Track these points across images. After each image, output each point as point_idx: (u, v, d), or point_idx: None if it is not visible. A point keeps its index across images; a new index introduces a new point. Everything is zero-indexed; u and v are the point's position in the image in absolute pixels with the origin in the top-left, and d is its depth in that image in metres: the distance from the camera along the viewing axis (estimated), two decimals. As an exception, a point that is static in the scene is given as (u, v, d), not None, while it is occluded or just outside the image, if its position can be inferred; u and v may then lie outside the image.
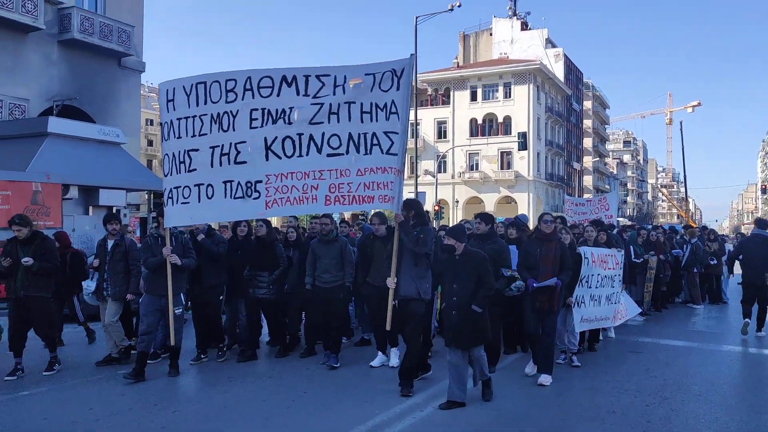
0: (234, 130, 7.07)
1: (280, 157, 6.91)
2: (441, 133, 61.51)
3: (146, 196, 19.80)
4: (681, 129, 51.79)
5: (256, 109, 6.99)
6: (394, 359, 7.94)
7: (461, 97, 61.42)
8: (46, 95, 21.04)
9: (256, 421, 5.94)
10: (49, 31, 20.63)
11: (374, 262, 7.96)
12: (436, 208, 31.37)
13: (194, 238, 8.55)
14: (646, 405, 6.34)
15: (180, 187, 7.29)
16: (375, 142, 6.74)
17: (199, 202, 7.25)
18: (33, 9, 19.73)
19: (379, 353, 8.16)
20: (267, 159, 6.95)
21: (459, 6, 30.91)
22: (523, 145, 33.71)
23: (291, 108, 6.91)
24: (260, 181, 6.96)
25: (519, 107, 59.17)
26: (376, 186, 6.70)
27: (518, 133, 36.55)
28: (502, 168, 59.54)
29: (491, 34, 72.90)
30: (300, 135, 6.86)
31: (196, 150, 7.25)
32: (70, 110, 21.34)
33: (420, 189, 55.81)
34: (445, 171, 58.39)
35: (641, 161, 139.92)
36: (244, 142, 7.03)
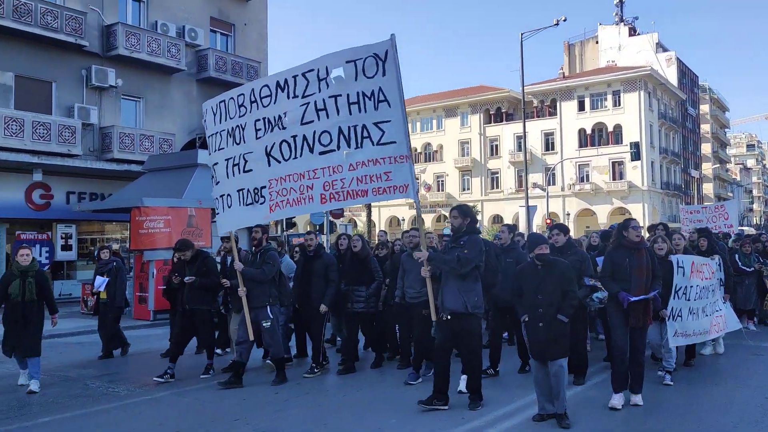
0: (245, 142, 7.45)
1: (279, 162, 7.13)
2: (548, 145, 60.97)
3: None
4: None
5: (259, 120, 7.30)
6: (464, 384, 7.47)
7: (568, 107, 60.66)
8: (188, 129, 23.45)
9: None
10: (189, 71, 23.04)
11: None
12: (548, 221, 31.52)
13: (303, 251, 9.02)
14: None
15: (216, 198, 7.94)
16: (365, 134, 6.63)
17: (224, 211, 7.76)
18: (176, 53, 22.18)
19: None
20: (269, 165, 7.21)
21: (564, 20, 31.19)
22: (636, 155, 33.23)
23: (285, 112, 7.08)
24: (264, 187, 7.26)
25: (630, 115, 57.69)
26: (369, 179, 6.60)
27: (630, 143, 35.97)
28: (614, 178, 58.11)
29: (597, 42, 71.58)
30: (294, 137, 7.01)
31: (217, 164, 7.85)
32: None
33: (529, 203, 55.86)
34: (554, 183, 57.83)
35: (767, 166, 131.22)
36: (251, 152, 7.38)
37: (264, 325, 7.89)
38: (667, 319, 7.42)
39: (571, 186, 59.18)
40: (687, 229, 14.13)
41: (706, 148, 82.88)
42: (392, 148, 6.50)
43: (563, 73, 67.60)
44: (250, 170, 7.37)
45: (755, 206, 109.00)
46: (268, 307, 7.95)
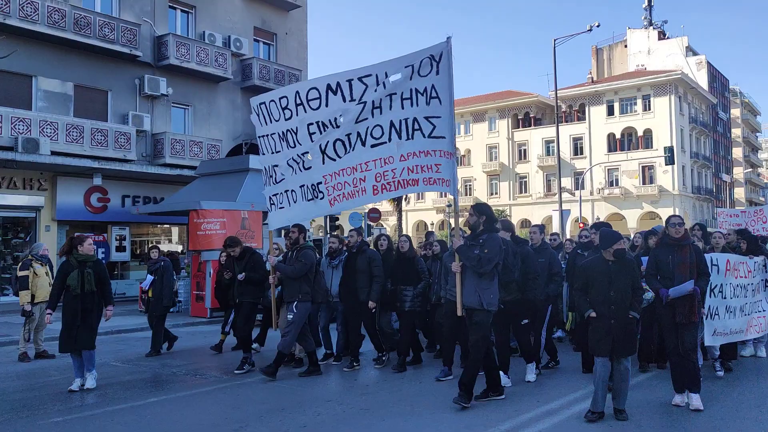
0: (300, 144, 7.59)
1: (334, 159, 7.29)
2: (578, 150, 61.02)
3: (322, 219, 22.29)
4: None
5: (312, 123, 7.40)
6: (530, 374, 7.84)
7: (597, 112, 60.71)
8: (233, 135, 24.31)
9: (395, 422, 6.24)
10: (234, 79, 23.88)
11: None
12: (581, 225, 31.83)
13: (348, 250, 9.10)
14: None
15: (277, 194, 8.05)
16: (416, 127, 6.79)
17: (289, 206, 7.92)
18: (223, 62, 23.06)
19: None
20: (323, 162, 7.39)
21: (598, 26, 31.53)
22: (670, 160, 33.35)
23: (341, 114, 7.22)
24: (320, 183, 7.43)
25: (660, 120, 57.60)
26: (420, 169, 6.76)
27: (665, 147, 36.07)
28: (643, 183, 58.01)
29: (626, 46, 71.44)
30: (348, 135, 7.15)
31: (277, 165, 8.00)
32: (254, 147, 24.49)
33: (557, 207, 56.04)
34: (583, 188, 57.93)
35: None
36: (307, 152, 7.59)
37: (288, 316, 8.20)
38: (704, 318, 7.25)
39: (600, 190, 59.20)
40: (724, 231, 14.36)
41: (737, 152, 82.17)
42: (442, 142, 6.71)
43: (592, 77, 67.60)
44: (309, 167, 7.57)
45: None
46: (297, 302, 8.18)
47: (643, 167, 57.63)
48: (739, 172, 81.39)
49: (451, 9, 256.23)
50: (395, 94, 6.84)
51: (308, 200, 7.66)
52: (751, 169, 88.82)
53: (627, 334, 6.03)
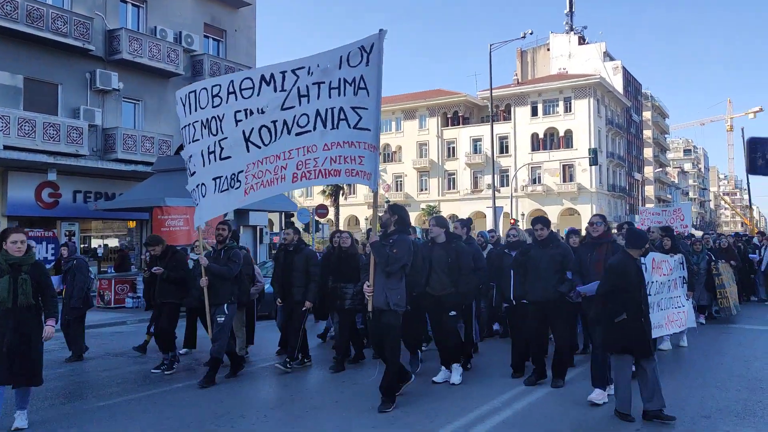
0: (222, 132, 7.26)
1: (259, 147, 7.04)
2: (503, 148, 63.44)
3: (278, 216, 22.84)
4: (743, 136, 52.09)
5: (240, 111, 7.15)
6: (456, 376, 7.63)
7: (522, 112, 63.31)
8: (183, 131, 24.33)
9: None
10: (185, 75, 23.96)
11: (434, 270, 7.56)
12: (513, 221, 33.52)
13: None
14: (747, 367, 8.44)
15: (194, 189, 7.67)
16: (342, 116, 6.65)
17: (199, 201, 7.55)
18: (175, 58, 23.12)
19: (443, 368, 7.70)
20: (248, 150, 7.10)
21: (531, 33, 33.29)
22: (594, 161, 35.61)
23: (268, 104, 7.02)
24: (242, 171, 7.12)
25: (580, 121, 60.71)
26: (343, 160, 6.62)
27: (589, 149, 38.48)
28: (564, 181, 61.07)
29: (548, 50, 74.58)
30: (274, 122, 6.94)
31: (192, 155, 7.62)
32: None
33: (483, 203, 58.32)
34: (508, 185, 60.35)
35: (702, 169, 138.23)
36: (226, 138, 7.21)
37: (218, 319, 7.78)
38: None
39: (524, 188, 61.79)
40: (645, 228, 15.68)
41: (648, 153, 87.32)
42: (367, 134, 6.58)
43: (517, 79, 70.24)
44: (228, 157, 7.23)
45: (692, 207, 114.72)
46: (227, 304, 7.88)
47: (564, 166, 60.57)
48: (649, 171, 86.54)
49: (387, 11, 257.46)
50: (323, 83, 6.74)
51: (222, 191, 7.28)
52: (660, 169, 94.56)
53: (651, 333, 6.12)
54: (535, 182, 62.30)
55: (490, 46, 33.24)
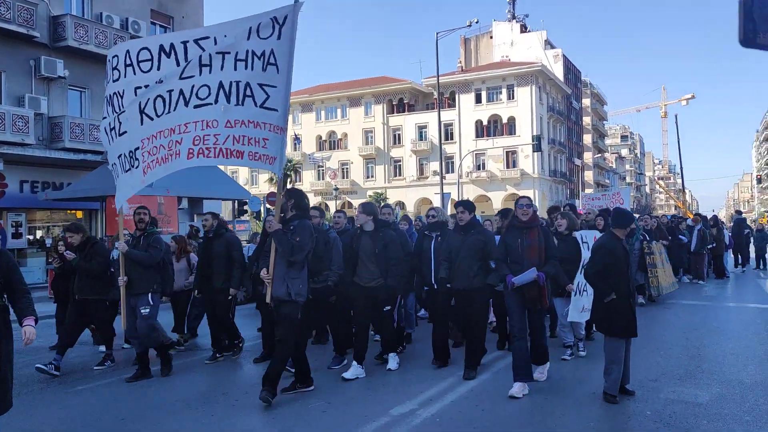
0: (123, 107, 6.71)
1: (152, 118, 6.42)
2: (448, 135, 64.36)
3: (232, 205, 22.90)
4: (676, 122, 54.17)
5: (140, 87, 6.53)
6: (393, 362, 7.42)
7: (466, 99, 64.26)
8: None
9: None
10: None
11: (361, 260, 7.31)
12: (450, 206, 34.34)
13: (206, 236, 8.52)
14: (687, 337, 9.30)
15: (111, 170, 7.16)
16: (248, 93, 6.10)
17: (116, 183, 7.02)
18: (122, 45, 22.77)
19: (354, 363, 7.17)
20: (142, 123, 6.49)
21: (477, 22, 33.99)
22: (538, 147, 36.74)
23: (167, 76, 6.40)
24: (138, 148, 6.51)
25: (522, 108, 62.07)
26: (247, 141, 6.11)
27: (533, 136, 39.70)
28: (507, 167, 62.44)
29: (491, 37, 75.77)
30: (170, 91, 6.32)
31: (103, 136, 7.11)
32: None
33: (429, 190, 59.21)
34: (453, 171, 61.34)
35: (639, 155, 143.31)
36: (124, 111, 6.66)
37: (142, 311, 7.27)
38: (573, 294, 7.43)
39: (468, 174, 62.91)
40: (585, 212, 16.34)
41: (587, 139, 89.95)
42: (273, 115, 6.12)
43: (461, 66, 71.19)
44: (125, 132, 6.65)
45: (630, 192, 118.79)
46: (150, 294, 7.38)
47: (508, 152, 61.94)
48: (588, 157, 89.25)
49: None
50: (228, 53, 6.12)
51: (126, 171, 6.71)
52: (599, 154, 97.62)
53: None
54: (479, 169, 63.45)
55: (437, 34, 33.79)
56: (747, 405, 5.87)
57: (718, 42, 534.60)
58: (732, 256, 20.99)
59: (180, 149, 6.21)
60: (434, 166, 60.65)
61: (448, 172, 58.52)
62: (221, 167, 21.55)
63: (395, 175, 66.77)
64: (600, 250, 6.03)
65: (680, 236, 16.87)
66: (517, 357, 6.28)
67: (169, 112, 6.30)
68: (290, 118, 69.23)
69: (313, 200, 65.72)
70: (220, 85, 6.12)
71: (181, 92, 6.24)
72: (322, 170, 69.52)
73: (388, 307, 7.35)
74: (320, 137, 70.06)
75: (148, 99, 6.41)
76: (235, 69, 6.09)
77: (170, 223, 17.53)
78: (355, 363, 7.16)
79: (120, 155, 6.71)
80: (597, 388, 6.26)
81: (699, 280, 17.11)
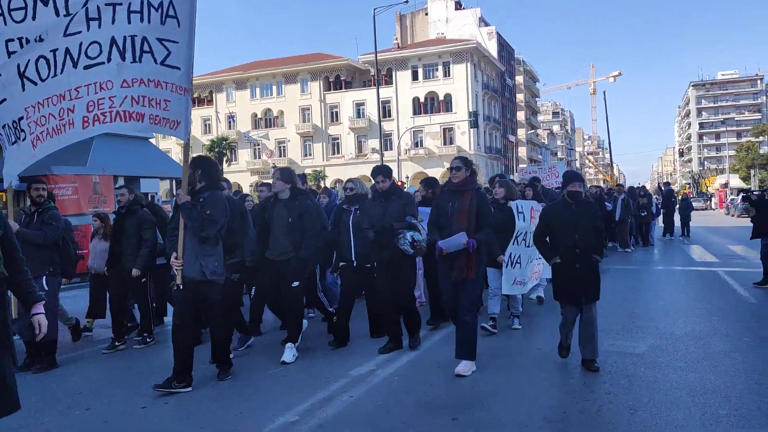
0: None
1: (35, 83, 5.56)
2: (386, 113, 64.49)
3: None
4: (604, 98, 56.30)
5: (12, 40, 5.51)
6: (289, 355, 6.48)
7: (403, 76, 64.47)
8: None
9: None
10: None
11: (273, 231, 6.61)
12: (400, 183, 34.63)
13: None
14: (623, 298, 9.79)
15: None
16: (146, 48, 5.43)
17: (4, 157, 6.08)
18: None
19: (288, 345, 6.57)
20: (24, 89, 5.59)
21: (413, -2, 33.99)
22: (474, 123, 37.39)
23: (46, 31, 5.49)
24: (22, 118, 5.64)
25: (458, 85, 62.73)
26: (147, 102, 5.47)
27: (470, 112, 40.36)
28: (445, 144, 63.17)
29: (427, 14, 76.01)
30: (54, 51, 5.49)
31: None
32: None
33: (368, 167, 58.56)
34: (391, 149, 61.67)
35: (569, 131, 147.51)
36: (0, 75, 5.60)
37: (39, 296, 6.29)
38: (504, 266, 7.21)
39: (407, 151, 63.38)
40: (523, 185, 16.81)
41: (520, 116, 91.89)
42: (176, 74, 5.53)
43: (398, 43, 71.22)
44: (4, 99, 5.67)
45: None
46: (45, 277, 6.62)
47: (445, 129, 62.65)
48: (522, 134, 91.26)
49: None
50: (120, 4, 5.39)
51: (12, 144, 5.78)
52: (532, 131, 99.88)
53: (594, 279, 5.76)
54: (417, 146, 64.00)
55: (374, 10, 33.74)
56: (679, 353, 6.34)
57: (644, 22, 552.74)
58: (660, 224, 22.01)
59: (74, 118, 5.49)
60: (373, 143, 60.77)
61: (386, 149, 58.84)
62: (152, 141, 21.05)
63: (333, 153, 66.60)
64: (542, 214, 6.16)
65: (606, 203, 17.57)
66: (463, 330, 5.80)
67: (55, 75, 5.50)
68: (224, 95, 69.25)
69: (250, 179, 65.00)
70: (113, 41, 5.40)
71: (68, 51, 5.45)
72: (259, 149, 68.62)
73: (297, 283, 6.51)
74: (256, 115, 69.02)
75: (29, 60, 5.51)
76: (129, 22, 5.41)
77: (107, 203, 17.09)
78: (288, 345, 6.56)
79: (4, 125, 5.77)
80: (539, 352, 6.57)
81: (625, 249, 17.86)
